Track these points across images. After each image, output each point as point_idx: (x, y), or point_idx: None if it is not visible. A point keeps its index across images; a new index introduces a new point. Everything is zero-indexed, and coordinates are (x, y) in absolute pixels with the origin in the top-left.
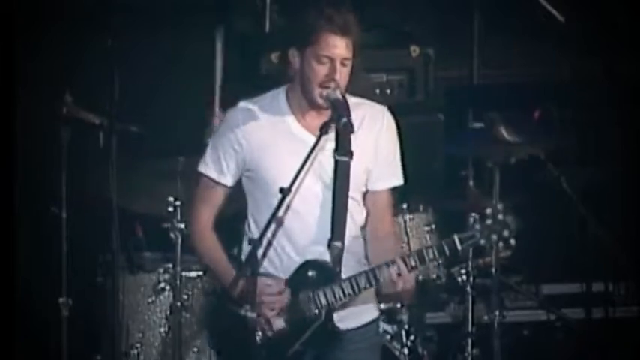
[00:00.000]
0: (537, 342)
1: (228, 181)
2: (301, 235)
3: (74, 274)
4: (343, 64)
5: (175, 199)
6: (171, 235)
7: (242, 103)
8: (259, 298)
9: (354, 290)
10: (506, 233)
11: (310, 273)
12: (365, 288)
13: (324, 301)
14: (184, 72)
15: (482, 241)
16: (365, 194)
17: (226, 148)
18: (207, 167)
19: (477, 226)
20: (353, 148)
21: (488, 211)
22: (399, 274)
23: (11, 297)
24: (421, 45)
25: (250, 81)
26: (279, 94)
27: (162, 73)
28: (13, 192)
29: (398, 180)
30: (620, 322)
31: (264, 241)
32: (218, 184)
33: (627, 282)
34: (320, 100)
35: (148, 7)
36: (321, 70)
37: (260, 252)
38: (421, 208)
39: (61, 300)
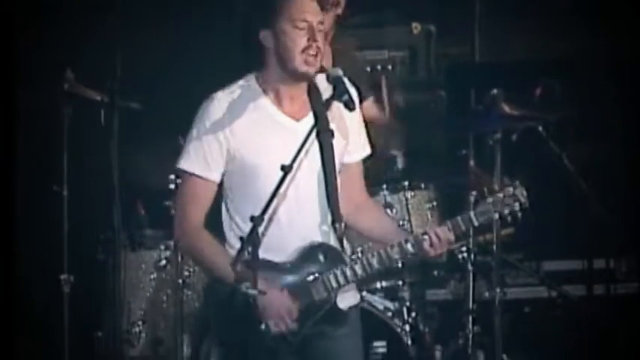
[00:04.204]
0: (538, 319)
1: (216, 176)
2: (298, 217)
3: (75, 252)
4: (319, 30)
5: (177, 177)
6: (173, 212)
7: (218, 94)
8: (279, 314)
9: (365, 271)
10: (517, 206)
11: (318, 256)
12: (378, 268)
13: (334, 284)
14: (186, 48)
15: (496, 216)
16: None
17: (210, 140)
18: (192, 164)
19: (490, 200)
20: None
21: (496, 185)
22: (438, 239)
23: (12, 274)
24: (422, 22)
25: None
26: (249, 82)
27: (164, 49)
28: (15, 169)
29: (367, 150)
30: (621, 299)
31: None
32: (207, 180)
33: (628, 258)
34: (303, 68)
35: None
36: (301, 35)
37: (261, 230)
38: (422, 185)
39: (62, 277)
